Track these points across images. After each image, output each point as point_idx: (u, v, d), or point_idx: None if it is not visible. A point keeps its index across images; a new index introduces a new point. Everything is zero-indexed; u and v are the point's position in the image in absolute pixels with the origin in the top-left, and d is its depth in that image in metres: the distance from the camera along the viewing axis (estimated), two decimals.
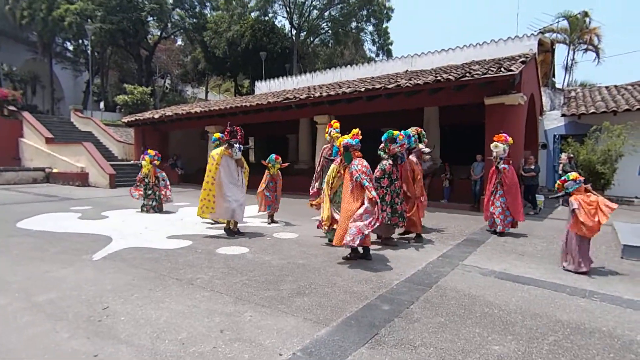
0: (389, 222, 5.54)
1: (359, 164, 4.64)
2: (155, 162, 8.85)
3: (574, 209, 4.47)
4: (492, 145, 6.68)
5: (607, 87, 14.79)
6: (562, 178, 4.81)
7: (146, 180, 8.69)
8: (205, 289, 3.74)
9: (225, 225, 6.37)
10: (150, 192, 8.69)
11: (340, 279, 4.10)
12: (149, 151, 8.96)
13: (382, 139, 5.67)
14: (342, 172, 5.03)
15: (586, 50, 24.91)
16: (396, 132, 5.62)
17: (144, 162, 8.80)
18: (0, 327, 2.88)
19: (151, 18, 30.66)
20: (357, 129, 5.17)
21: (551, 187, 12.95)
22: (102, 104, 31.01)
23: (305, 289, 3.77)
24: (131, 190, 8.97)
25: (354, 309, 3.30)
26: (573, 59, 25.26)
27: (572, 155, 10.79)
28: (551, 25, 23.87)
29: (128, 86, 27.06)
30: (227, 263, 4.68)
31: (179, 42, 40.66)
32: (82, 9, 26.72)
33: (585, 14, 23.20)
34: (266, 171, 7.65)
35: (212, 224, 7.18)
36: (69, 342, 2.67)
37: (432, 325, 3.00)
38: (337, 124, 6.20)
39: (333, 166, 5.35)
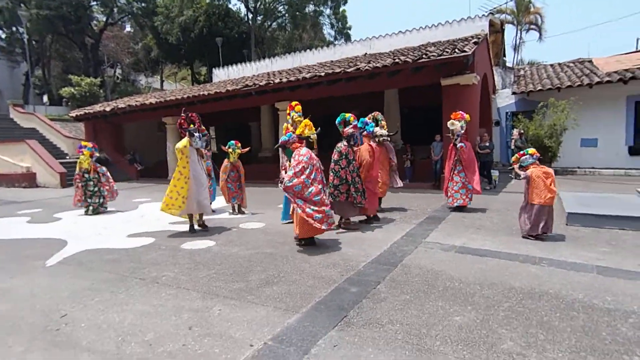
0: (354, 202, 5.65)
1: (295, 155, 4.73)
2: (96, 154, 8.18)
3: (528, 180, 4.78)
4: (449, 123, 6.88)
5: (551, 65, 15.69)
6: (522, 152, 5.10)
7: (87, 176, 7.99)
8: (171, 287, 3.66)
9: (189, 223, 6.05)
10: (95, 188, 8.04)
11: (308, 265, 4.15)
12: (84, 143, 8.24)
13: (336, 122, 5.86)
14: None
15: (528, 29, 26.28)
16: (347, 114, 5.80)
17: (82, 157, 8.04)
18: None
19: (95, 3, 28.57)
20: (286, 124, 5.52)
21: (505, 163, 13.70)
22: (45, 98, 28.81)
23: (274, 278, 3.78)
24: (75, 201, 8.17)
25: (322, 293, 3.36)
26: (521, 38, 26.55)
27: (522, 131, 11.42)
28: (500, 6, 24.82)
29: (74, 77, 25.21)
30: (192, 258, 4.59)
31: (128, 28, 38.29)
32: None
33: None
34: (225, 160, 7.46)
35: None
36: (25, 356, 2.53)
37: (398, 303, 3.12)
38: (298, 107, 6.14)
39: None
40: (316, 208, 4.51)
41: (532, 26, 25.94)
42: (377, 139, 6.59)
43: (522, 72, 15.74)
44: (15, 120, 19.99)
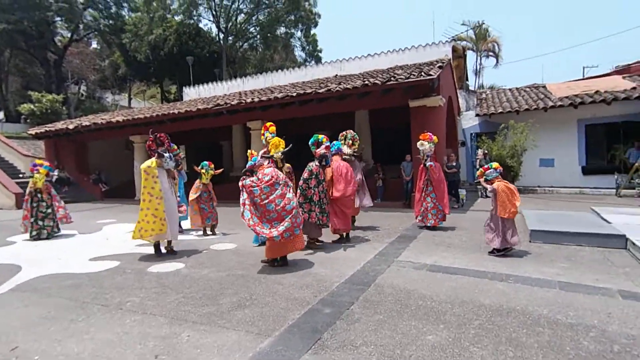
0: (319, 223, 5.67)
1: (259, 174, 4.79)
2: (52, 174, 7.70)
3: (495, 193, 4.97)
4: (418, 143, 7.10)
5: (510, 89, 16.70)
6: (485, 166, 5.32)
7: (40, 196, 7.42)
8: (136, 313, 3.48)
9: (155, 244, 5.75)
10: (49, 210, 7.49)
11: (281, 286, 4.08)
12: (39, 162, 7.70)
13: (309, 142, 6.00)
14: None
15: (487, 56, 28.12)
16: (320, 136, 5.95)
17: (37, 175, 7.46)
18: None
19: (59, 18, 27.76)
20: (250, 150, 5.72)
21: (472, 182, 14.24)
22: (1, 114, 27.31)
23: (246, 301, 3.69)
24: (24, 223, 7.46)
25: (296, 316, 3.30)
26: (481, 64, 28.29)
27: (486, 152, 11.96)
28: (461, 33, 26.40)
29: (34, 94, 24.16)
30: (160, 282, 4.40)
31: (94, 45, 37.42)
32: None
33: (480, 25, 26.19)
34: (197, 180, 7.31)
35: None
36: None
37: (372, 324, 3.11)
38: (273, 127, 6.15)
39: None
40: (266, 229, 4.57)
41: (490, 53, 27.73)
42: (341, 156, 6.70)
43: (484, 96, 16.62)
44: None
